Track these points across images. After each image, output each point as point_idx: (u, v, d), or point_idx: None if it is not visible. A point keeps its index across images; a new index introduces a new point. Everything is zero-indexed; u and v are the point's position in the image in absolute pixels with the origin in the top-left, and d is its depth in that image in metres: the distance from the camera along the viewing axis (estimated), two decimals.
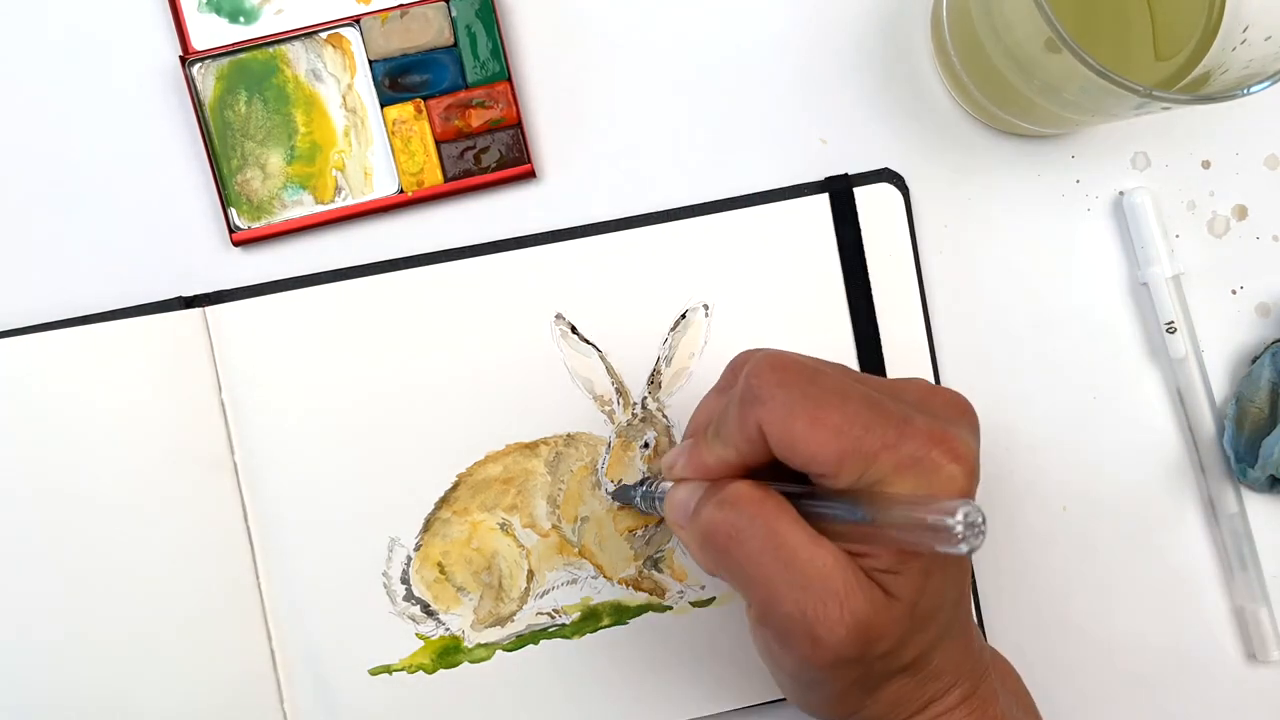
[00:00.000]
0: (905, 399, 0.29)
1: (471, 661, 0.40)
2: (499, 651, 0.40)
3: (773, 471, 0.29)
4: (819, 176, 0.40)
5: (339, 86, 0.39)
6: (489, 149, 0.39)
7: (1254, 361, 0.40)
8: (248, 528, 0.39)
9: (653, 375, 0.40)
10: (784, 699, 0.40)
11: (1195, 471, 0.41)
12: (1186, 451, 0.41)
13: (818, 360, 0.29)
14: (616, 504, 0.39)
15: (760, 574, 0.27)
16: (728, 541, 0.28)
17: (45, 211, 0.40)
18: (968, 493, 0.27)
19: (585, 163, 0.40)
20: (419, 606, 0.40)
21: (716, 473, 0.29)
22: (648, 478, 0.39)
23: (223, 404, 0.39)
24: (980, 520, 0.23)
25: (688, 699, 0.40)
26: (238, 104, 0.39)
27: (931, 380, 0.40)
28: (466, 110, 0.39)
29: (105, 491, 0.39)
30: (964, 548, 0.22)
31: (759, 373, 0.28)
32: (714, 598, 0.40)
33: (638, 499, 0.36)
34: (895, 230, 0.40)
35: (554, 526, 0.40)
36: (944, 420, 0.28)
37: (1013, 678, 0.35)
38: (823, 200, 0.40)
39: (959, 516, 0.22)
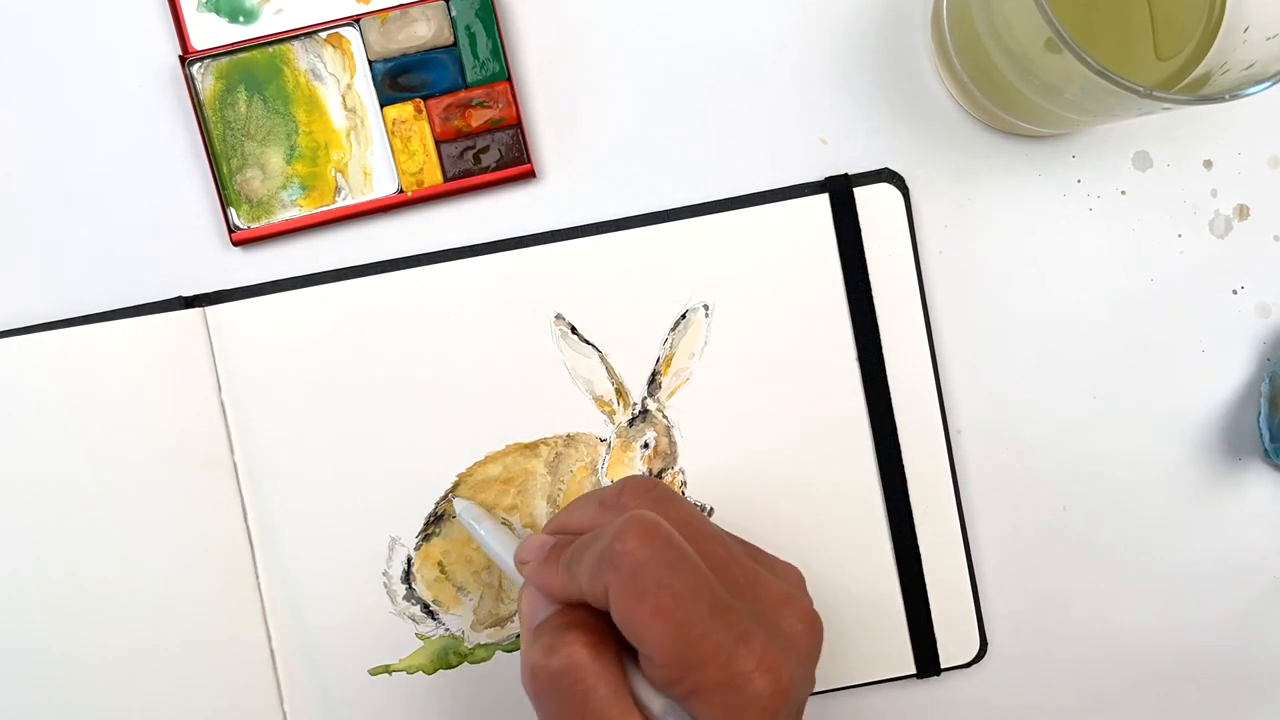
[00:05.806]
0: (760, 602, 0.29)
1: (471, 662, 0.40)
2: (499, 652, 0.40)
3: None
4: (819, 176, 0.40)
5: (339, 86, 0.39)
6: (489, 149, 0.39)
7: None
8: (247, 528, 0.39)
9: (653, 375, 0.40)
10: None
11: (1194, 471, 0.41)
12: (1185, 451, 0.41)
13: (699, 529, 0.29)
14: None
15: None
16: (544, 690, 0.28)
17: (45, 211, 0.40)
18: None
19: (585, 163, 0.40)
20: (419, 606, 0.40)
21: (560, 599, 0.30)
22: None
23: (223, 404, 0.39)
24: None
25: None
26: (238, 104, 0.39)
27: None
28: (466, 110, 0.39)
29: (104, 492, 0.39)
30: None
31: (626, 537, 0.28)
32: None
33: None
34: (895, 230, 0.40)
35: None
36: (782, 641, 0.28)
37: None
38: (823, 200, 0.39)
39: None
